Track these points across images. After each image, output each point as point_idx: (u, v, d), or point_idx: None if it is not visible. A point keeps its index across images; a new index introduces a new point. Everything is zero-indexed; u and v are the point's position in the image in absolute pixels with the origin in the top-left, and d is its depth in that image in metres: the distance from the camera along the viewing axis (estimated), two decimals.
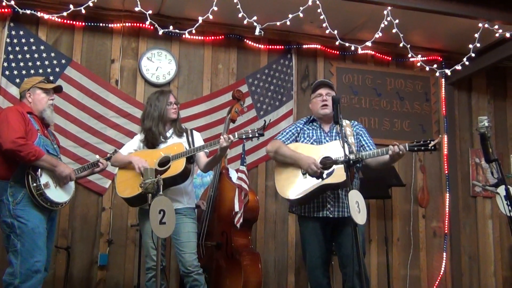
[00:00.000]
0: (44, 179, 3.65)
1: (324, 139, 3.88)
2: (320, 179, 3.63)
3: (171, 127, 4.19)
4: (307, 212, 3.82)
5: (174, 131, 4.17)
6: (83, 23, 5.37)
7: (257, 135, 3.77)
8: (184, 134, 4.19)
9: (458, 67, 5.74)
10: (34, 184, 3.58)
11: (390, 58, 6.31)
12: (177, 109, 4.18)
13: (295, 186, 3.77)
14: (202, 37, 5.69)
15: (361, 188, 3.77)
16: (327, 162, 3.65)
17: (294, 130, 4.02)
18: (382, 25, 5.27)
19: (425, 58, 6.03)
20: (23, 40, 5.17)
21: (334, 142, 3.78)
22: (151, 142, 4.11)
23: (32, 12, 5.02)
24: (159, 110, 4.10)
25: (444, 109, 6.43)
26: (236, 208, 4.50)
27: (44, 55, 5.22)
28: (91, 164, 4.09)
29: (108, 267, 5.17)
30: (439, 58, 6.35)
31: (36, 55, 5.18)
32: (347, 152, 3.33)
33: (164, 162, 3.93)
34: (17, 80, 5.05)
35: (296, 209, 3.93)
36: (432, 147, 3.44)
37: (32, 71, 5.10)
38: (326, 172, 3.64)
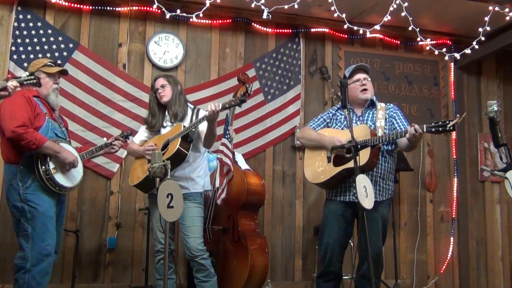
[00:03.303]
0: (53, 162, 3.64)
1: (355, 123, 3.88)
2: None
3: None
4: (333, 196, 3.87)
5: (171, 114, 4.16)
6: (90, 7, 5.35)
7: (239, 101, 3.72)
8: (190, 113, 4.15)
9: (468, 51, 5.70)
10: (43, 168, 3.58)
11: (398, 42, 6.26)
12: (164, 91, 4.12)
13: (320, 170, 3.81)
14: (210, 21, 5.66)
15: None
16: (337, 146, 3.65)
17: (326, 117, 4.06)
18: (391, 8, 5.23)
19: (434, 42, 5.99)
20: (31, 24, 5.16)
21: (358, 126, 3.78)
22: (152, 130, 4.20)
23: None
24: (149, 101, 4.23)
25: (453, 93, 6.39)
26: (217, 183, 4.49)
27: (51, 39, 5.21)
28: (100, 147, 4.09)
29: (116, 250, 5.21)
30: (448, 41, 6.30)
31: (43, 39, 5.18)
32: (353, 136, 3.35)
33: (166, 145, 3.95)
34: (25, 64, 5.06)
35: (327, 193, 3.99)
36: (451, 127, 3.33)
37: (40, 55, 5.10)
38: (348, 156, 3.63)
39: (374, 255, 3.31)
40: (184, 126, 3.92)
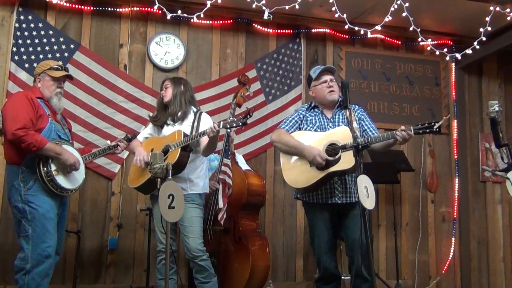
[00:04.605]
0: (55, 164, 3.63)
1: (328, 125, 3.87)
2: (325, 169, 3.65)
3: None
4: (315, 199, 3.83)
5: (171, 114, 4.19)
6: (91, 8, 5.36)
7: (240, 123, 3.68)
8: (192, 117, 4.15)
9: (469, 51, 5.70)
10: (45, 169, 3.57)
11: (399, 42, 6.26)
12: (165, 92, 4.18)
13: (302, 174, 3.77)
14: (211, 22, 5.66)
15: (370, 173, 3.76)
16: (335, 149, 3.65)
17: (297, 118, 4.01)
18: (392, 9, 5.23)
19: (435, 42, 6.00)
20: (32, 25, 5.17)
21: (339, 128, 3.77)
22: (154, 125, 4.28)
23: None
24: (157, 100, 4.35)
25: (454, 93, 6.39)
26: (220, 204, 4.44)
27: (52, 40, 5.21)
28: (104, 149, 4.06)
29: (118, 251, 5.21)
30: (449, 42, 6.30)
31: (45, 40, 5.19)
32: (355, 137, 3.34)
33: (166, 152, 3.94)
34: (26, 65, 5.07)
35: (303, 196, 3.94)
36: (437, 129, 3.36)
37: (41, 56, 5.11)
38: (332, 158, 3.63)
39: (364, 252, 3.31)
40: (184, 134, 3.92)
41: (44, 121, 3.67)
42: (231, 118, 3.75)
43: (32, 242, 3.53)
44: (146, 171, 3.91)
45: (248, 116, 3.68)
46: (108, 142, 4.18)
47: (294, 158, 3.84)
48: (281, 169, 3.91)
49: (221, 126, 3.71)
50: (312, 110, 4.01)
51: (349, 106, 3.41)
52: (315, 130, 3.87)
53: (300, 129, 3.95)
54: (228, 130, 4.54)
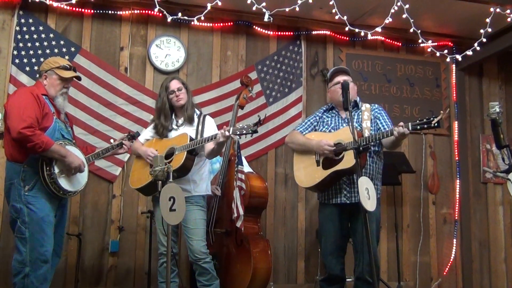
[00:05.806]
0: (59, 166, 3.57)
1: (341, 125, 3.90)
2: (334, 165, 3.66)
3: (182, 115, 4.17)
4: (326, 199, 3.88)
5: (184, 118, 4.15)
6: (92, 11, 5.36)
7: (250, 131, 3.66)
8: (196, 120, 4.15)
9: (469, 53, 5.71)
10: (48, 170, 3.52)
11: (400, 44, 6.26)
12: (182, 94, 4.10)
13: (309, 174, 3.82)
14: (211, 24, 5.66)
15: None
16: (337, 149, 3.66)
17: (313, 120, 4.07)
18: (392, 10, 5.24)
19: (436, 44, 5.99)
20: (33, 28, 5.18)
21: (345, 128, 3.79)
22: (159, 134, 4.15)
23: (41, 0, 5.03)
24: (160, 102, 4.15)
25: (454, 95, 6.38)
26: (241, 211, 4.38)
27: (53, 43, 5.22)
28: (108, 149, 4.04)
29: (119, 254, 5.21)
30: (449, 43, 6.29)
31: (45, 43, 5.19)
32: (356, 138, 3.35)
33: (170, 154, 3.93)
34: (27, 68, 5.07)
35: (318, 197, 4.00)
36: (436, 124, 3.35)
37: (41, 59, 5.09)
38: (336, 158, 3.65)
39: (369, 257, 3.31)
40: (190, 137, 3.91)
41: (49, 120, 3.61)
42: (241, 125, 3.73)
43: (30, 246, 3.48)
44: (148, 172, 3.90)
45: (259, 125, 3.67)
46: (112, 141, 4.16)
47: (304, 158, 3.88)
48: (293, 169, 3.99)
49: (231, 133, 3.70)
50: (330, 111, 4.06)
51: (350, 107, 3.43)
52: (329, 131, 3.91)
53: (316, 130, 4.00)
54: (238, 137, 4.52)
